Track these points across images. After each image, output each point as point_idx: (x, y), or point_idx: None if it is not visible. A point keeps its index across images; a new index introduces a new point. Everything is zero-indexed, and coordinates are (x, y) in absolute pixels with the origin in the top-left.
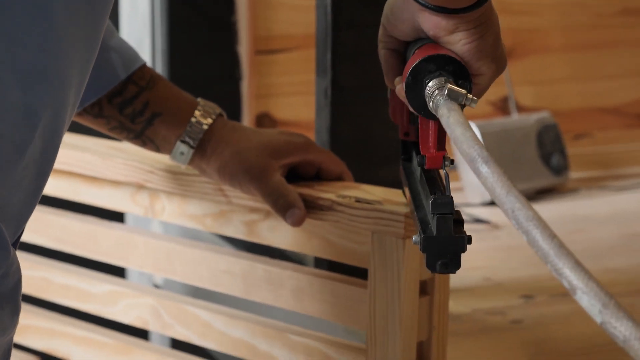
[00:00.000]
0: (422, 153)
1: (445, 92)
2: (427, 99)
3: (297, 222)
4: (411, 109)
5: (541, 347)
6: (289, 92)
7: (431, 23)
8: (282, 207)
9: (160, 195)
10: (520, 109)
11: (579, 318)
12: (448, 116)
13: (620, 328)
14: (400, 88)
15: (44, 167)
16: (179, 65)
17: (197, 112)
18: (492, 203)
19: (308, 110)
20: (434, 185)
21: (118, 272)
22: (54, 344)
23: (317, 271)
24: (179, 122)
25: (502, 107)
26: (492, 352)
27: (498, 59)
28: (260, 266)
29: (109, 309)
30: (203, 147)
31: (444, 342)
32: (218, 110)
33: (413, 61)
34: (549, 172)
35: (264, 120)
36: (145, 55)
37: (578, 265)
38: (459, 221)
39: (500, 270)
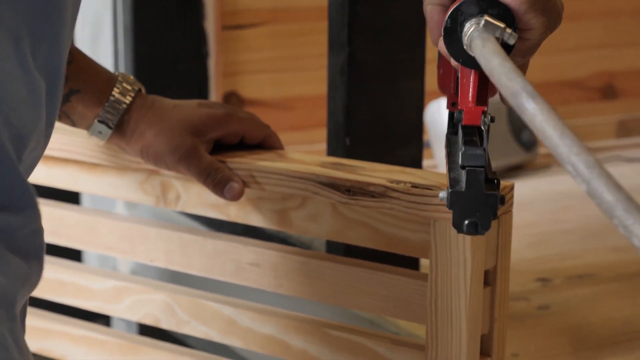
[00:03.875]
0: (459, 107)
1: (482, 24)
2: (463, 40)
3: (236, 196)
4: (449, 59)
5: (579, 333)
6: (256, 69)
7: None
8: (219, 183)
9: (174, 183)
10: None
11: (604, 302)
12: (482, 46)
13: None
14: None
15: (53, 114)
16: (143, 42)
17: (115, 90)
18: None
19: (275, 89)
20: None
21: (74, 256)
22: (48, 344)
23: (363, 262)
24: (97, 100)
25: None
26: (533, 341)
27: (550, 12)
28: (294, 257)
29: (112, 306)
30: (122, 127)
31: (504, 335)
32: (137, 86)
33: (454, 4)
34: (520, 148)
35: (231, 98)
36: (106, 32)
37: None
38: (494, 181)
39: None
